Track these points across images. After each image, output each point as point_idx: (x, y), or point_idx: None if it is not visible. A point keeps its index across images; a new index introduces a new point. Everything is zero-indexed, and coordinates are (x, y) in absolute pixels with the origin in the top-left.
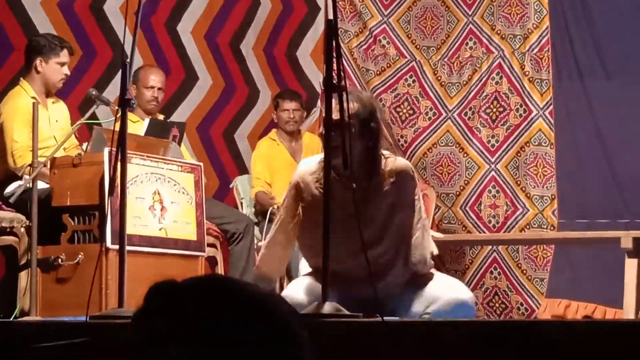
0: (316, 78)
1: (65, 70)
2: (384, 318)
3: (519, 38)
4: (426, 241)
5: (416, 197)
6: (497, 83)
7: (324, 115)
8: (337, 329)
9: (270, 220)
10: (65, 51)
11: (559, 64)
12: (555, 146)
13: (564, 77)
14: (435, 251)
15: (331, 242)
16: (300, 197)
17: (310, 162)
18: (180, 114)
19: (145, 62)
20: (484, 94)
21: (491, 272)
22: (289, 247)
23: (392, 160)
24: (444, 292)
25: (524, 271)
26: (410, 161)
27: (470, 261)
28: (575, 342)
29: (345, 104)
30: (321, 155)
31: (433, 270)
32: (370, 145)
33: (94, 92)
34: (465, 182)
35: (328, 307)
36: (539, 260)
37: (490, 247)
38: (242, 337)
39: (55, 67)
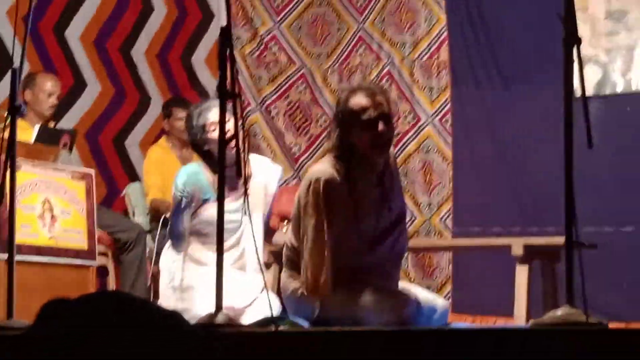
0: (211, 84)
1: None
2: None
3: (409, 45)
4: None
5: None
6: None
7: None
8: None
9: (165, 226)
10: None
11: (456, 72)
12: (453, 153)
13: (461, 84)
14: None
15: None
16: None
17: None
18: (69, 121)
19: (33, 67)
20: None
21: None
22: None
23: None
24: None
25: (412, 279)
26: (301, 171)
27: None
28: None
29: (239, 111)
30: None
31: None
32: None
33: None
34: None
35: (221, 318)
36: (425, 268)
37: None
38: (135, 354)
39: None
